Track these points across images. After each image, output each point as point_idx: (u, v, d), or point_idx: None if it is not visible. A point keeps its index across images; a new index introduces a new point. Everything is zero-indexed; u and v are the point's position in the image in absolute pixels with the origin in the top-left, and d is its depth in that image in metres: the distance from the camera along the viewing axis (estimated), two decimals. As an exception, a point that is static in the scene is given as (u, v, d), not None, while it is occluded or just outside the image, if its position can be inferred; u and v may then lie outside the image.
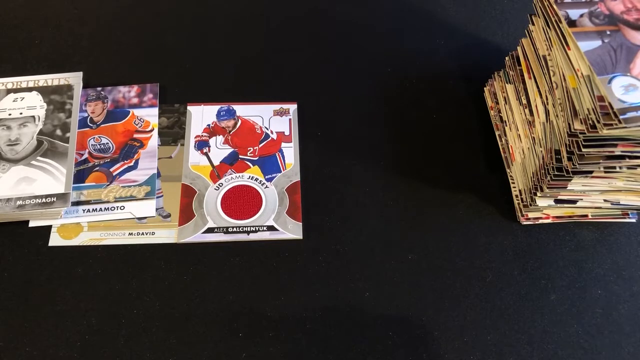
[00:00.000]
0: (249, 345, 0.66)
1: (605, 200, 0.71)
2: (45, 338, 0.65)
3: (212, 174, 0.77)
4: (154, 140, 0.79)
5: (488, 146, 0.82)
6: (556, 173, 0.65)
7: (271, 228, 0.73)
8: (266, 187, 0.77)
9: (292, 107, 0.84)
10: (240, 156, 0.79)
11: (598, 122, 0.56)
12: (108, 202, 0.74)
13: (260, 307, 0.68)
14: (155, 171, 0.77)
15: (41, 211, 0.71)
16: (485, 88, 0.86)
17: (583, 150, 0.60)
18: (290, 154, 0.80)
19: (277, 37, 0.91)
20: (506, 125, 0.79)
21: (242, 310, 0.68)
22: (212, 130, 0.81)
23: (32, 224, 0.72)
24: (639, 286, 0.72)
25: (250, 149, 0.80)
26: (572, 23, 0.62)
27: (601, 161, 0.61)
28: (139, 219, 0.74)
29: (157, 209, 0.74)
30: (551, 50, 0.65)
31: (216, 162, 0.78)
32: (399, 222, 0.75)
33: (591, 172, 0.64)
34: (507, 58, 0.78)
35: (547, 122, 0.66)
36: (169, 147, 0.79)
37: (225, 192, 0.76)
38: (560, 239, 0.75)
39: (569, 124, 0.61)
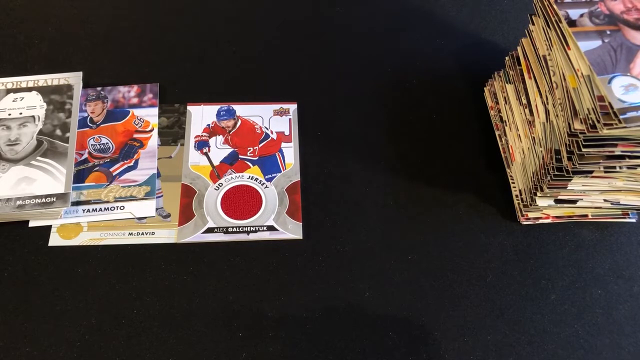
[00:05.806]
0: (249, 345, 0.66)
1: (605, 200, 0.71)
2: (45, 338, 0.65)
3: (212, 174, 0.77)
4: (153, 140, 0.79)
5: (488, 146, 0.82)
6: (556, 173, 0.65)
7: (271, 228, 0.73)
8: (266, 187, 0.77)
9: (292, 107, 0.84)
10: (240, 156, 0.79)
11: (598, 122, 0.56)
12: (108, 202, 0.74)
13: (260, 307, 0.68)
14: (155, 171, 0.77)
15: (41, 211, 0.71)
16: (485, 88, 0.86)
17: (583, 150, 0.60)
18: (290, 154, 0.79)
19: (277, 37, 0.91)
20: (506, 125, 0.79)
21: (242, 310, 0.68)
22: (212, 130, 0.81)
23: (32, 224, 0.72)
24: (639, 286, 0.72)
25: (250, 149, 0.80)
26: (572, 23, 0.62)
27: (601, 161, 0.61)
28: (139, 219, 0.74)
29: (157, 209, 0.74)
30: (551, 50, 0.65)
31: (216, 162, 0.78)
32: (399, 222, 0.75)
33: (591, 172, 0.64)
34: (507, 58, 0.78)
35: (547, 122, 0.66)
36: (169, 147, 0.79)
37: (225, 192, 0.76)
38: (560, 239, 0.75)
39: (569, 123, 0.61)
